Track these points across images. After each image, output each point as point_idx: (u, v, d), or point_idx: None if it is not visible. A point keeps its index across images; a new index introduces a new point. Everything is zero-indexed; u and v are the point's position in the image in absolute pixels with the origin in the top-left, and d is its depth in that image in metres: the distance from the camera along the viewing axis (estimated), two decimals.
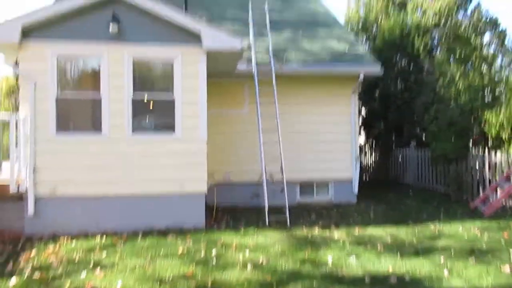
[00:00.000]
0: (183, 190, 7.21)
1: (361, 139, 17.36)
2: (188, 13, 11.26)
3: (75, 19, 6.90)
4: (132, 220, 6.99)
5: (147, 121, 7.27)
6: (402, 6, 16.54)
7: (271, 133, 8.62)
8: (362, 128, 16.38)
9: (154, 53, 7.15)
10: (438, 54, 11.81)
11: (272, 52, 9.47)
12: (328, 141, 9.98)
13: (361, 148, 17.40)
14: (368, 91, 15.80)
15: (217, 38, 7.08)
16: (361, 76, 9.62)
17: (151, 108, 7.21)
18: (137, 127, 7.12)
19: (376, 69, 9.74)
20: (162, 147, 7.15)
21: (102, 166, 6.95)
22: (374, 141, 16.54)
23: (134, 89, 7.08)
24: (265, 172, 8.18)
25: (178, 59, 7.18)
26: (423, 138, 13.54)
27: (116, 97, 6.97)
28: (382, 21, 16.23)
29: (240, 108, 9.74)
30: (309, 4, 13.63)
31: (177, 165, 7.19)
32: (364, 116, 16.17)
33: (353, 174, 10.08)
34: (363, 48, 10.99)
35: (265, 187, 7.99)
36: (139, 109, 7.12)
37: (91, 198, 6.93)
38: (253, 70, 8.84)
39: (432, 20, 15.04)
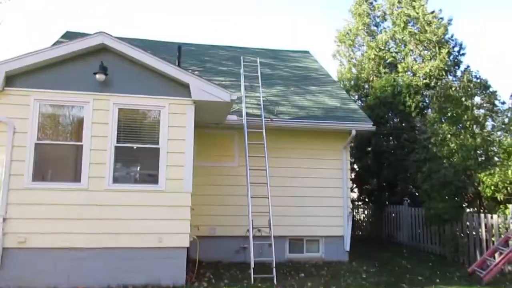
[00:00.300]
0: (164, 244, 6.80)
1: (354, 195, 17.08)
2: (181, 65, 11.42)
3: (62, 67, 6.84)
4: (106, 276, 6.50)
5: (129, 171, 7.01)
6: (393, 66, 16.95)
7: (261, 186, 8.39)
8: (355, 184, 16.15)
9: (141, 103, 7.03)
10: (430, 113, 11.84)
11: (263, 105, 9.47)
12: (319, 196, 9.68)
13: (353, 204, 17.08)
14: (361, 147, 15.76)
15: (205, 90, 7.01)
16: (353, 132, 9.52)
17: (134, 157, 6.99)
18: (118, 177, 6.83)
19: (368, 125, 9.68)
20: (143, 198, 6.82)
21: (78, 218, 6.57)
22: (367, 197, 16.24)
23: (118, 138, 6.87)
24: (252, 227, 7.82)
25: (165, 109, 7.06)
26: (417, 196, 13.30)
27: (99, 146, 6.74)
28: (374, 80, 16.54)
29: (230, 161, 9.50)
30: (303, 61, 13.91)
31: (158, 218, 6.83)
32: (357, 172, 16.00)
33: (345, 231, 9.69)
34: (355, 104, 11.02)
35: (251, 244, 7.60)
36: (122, 158, 6.88)
37: (64, 251, 6.49)
38: (243, 123, 8.74)
39: (422, 81, 15.34)
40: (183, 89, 7.10)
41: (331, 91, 11.42)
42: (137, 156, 7.01)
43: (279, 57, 13.95)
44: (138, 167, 7.05)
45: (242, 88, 9.28)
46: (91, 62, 6.88)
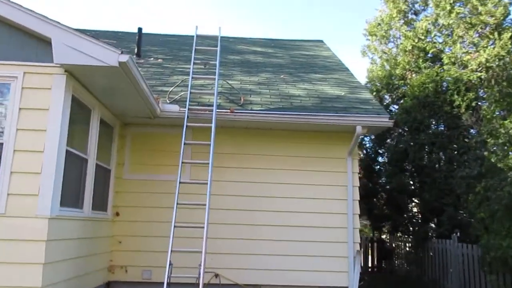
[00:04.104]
0: None
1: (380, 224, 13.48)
2: (141, 51, 8.87)
3: None
4: None
5: None
6: (437, 60, 13.39)
7: (224, 210, 5.99)
8: (387, 209, 12.58)
9: None
10: (486, 107, 8.29)
11: (228, 95, 6.70)
12: (309, 226, 6.49)
13: (392, 234, 13.43)
14: (395, 162, 12.27)
15: (76, 47, 4.24)
16: (359, 129, 6.30)
17: None
18: None
19: (381, 120, 6.40)
20: None
21: None
22: (404, 228, 12.56)
23: None
24: (170, 272, 4.83)
25: (16, 83, 4.36)
26: (471, 227, 9.58)
27: None
28: (411, 77, 13.08)
29: (177, 172, 6.58)
30: (312, 49, 10.91)
31: None
32: (390, 193, 12.43)
33: (350, 279, 6.36)
34: (368, 93, 7.77)
35: None
36: None
37: None
38: (185, 114, 5.89)
39: (476, 74, 11.68)
40: (49, 49, 4.39)
41: (338, 79, 8.28)
42: None
43: (282, 46, 11.04)
44: None
45: (191, 69, 6.43)
46: None
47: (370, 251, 13.86)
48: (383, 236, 15.10)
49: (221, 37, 11.50)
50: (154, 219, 6.42)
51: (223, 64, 8.74)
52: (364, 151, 14.54)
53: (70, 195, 4.76)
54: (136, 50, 8.82)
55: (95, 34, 10.76)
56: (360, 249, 6.59)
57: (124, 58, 4.25)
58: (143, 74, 7.75)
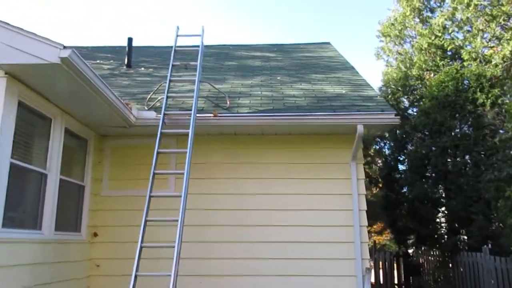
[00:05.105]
0: None
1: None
2: (132, 61, 8.45)
3: None
4: None
5: None
6: (455, 57, 12.43)
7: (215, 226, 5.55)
8: (409, 222, 11.55)
9: None
10: (509, 101, 7.34)
11: (214, 98, 6.10)
12: (309, 242, 5.69)
13: (417, 247, 12.33)
14: (415, 169, 11.30)
15: (13, 45, 3.71)
16: (360, 129, 5.50)
17: None
18: None
19: (384, 117, 5.57)
20: None
21: None
22: (428, 241, 11.47)
23: None
24: None
25: None
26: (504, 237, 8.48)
27: None
28: (429, 76, 12.14)
29: (163, 186, 5.95)
30: (316, 51, 10.22)
31: None
32: (412, 203, 11.40)
33: None
34: (373, 91, 6.97)
35: None
36: None
37: None
38: (160, 120, 5.28)
39: (500, 68, 10.68)
40: None
41: (340, 77, 7.54)
42: None
43: (284, 50, 10.39)
44: None
45: (169, 72, 5.83)
46: None
47: (396, 266, 12.81)
48: (410, 251, 13.98)
49: (221, 45, 11.06)
50: (137, 239, 5.76)
51: (217, 70, 8.21)
52: (383, 159, 13.58)
53: (21, 214, 4.21)
54: (126, 60, 8.43)
55: (92, 49, 10.58)
56: (370, 266, 5.71)
57: (66, 53, 3.68)
58: (129, 83, 7.39)
